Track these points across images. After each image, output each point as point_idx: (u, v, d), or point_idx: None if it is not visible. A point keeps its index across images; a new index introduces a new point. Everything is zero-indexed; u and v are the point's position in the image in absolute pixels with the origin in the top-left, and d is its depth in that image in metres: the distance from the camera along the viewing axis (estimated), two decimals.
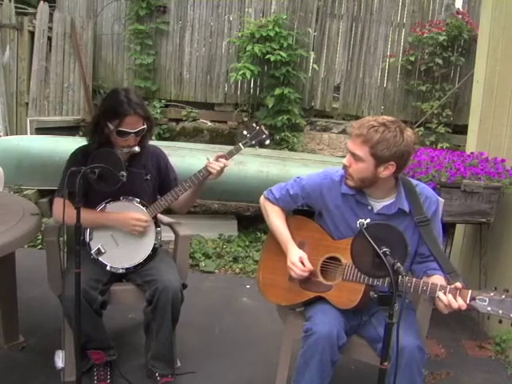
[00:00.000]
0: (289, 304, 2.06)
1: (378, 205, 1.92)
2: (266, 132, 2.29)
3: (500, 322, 1.61)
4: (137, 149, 2.20)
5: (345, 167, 1.88)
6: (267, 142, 2.29)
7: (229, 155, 2.24)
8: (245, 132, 2.29)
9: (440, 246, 1.87)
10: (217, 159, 2.21)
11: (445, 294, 1.64)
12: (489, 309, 1.57)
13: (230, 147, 2.26)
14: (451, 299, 1.63)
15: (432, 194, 1.96)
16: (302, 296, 1.97)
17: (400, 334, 1.40)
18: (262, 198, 2.16)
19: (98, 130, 2.18)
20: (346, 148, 1.92)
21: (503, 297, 1.55)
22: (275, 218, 2.08)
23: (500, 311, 1.55)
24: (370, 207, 1.92)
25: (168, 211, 2.29)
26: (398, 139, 1.75)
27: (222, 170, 2.21)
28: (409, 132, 1.79)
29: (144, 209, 2.22)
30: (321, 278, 1.94)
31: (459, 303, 1.61)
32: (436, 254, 1.84)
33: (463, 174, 2.77)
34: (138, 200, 2.23)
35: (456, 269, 1.82)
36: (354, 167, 1.84)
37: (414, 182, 1.97)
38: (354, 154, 1.82)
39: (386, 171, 1.80)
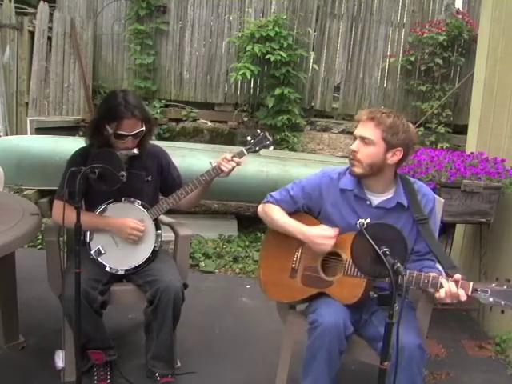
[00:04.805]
0: (290, 301, 2.07)
1: (376, 199, 1.94)
2: (270, 138, 2.30)
3: (502, 312, 1.60)
4: (135, 151, 2.20)
5: (353, 153, 1.89)
6: (271, 148, 2.31)
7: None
8: (248, 138, 2.30)
9: (438, 243, 1.89)
10: (225, 160, 2.21)
11: (447, 280, 1.64)
12: (491, 300, 1.56)
13: (230, 147, 2.27)
14: (453, 287, 1.62)
15: (429, 193, 1.98)
16: (304, 293, 1.97)
17: (400, 332, 1.40)
18: (260, 206, 2.13)
19: (97, 132, 2.18)
20: (353, 137, 1.95)
21: (505, 287, 1.55)
22: (278, 215, 2.03)
23: (502, 302, 1.54)
24: (368, 202, 1.94)
25: (169, 211, 2.29)
26: (406, 127, 1.87)
27: (233, 168, 2.23)
28: (412, 125, 1.92)
29: (145, 211, 2.22)
30: (322, 274, 1.94)
31: (460, 293, 1.61)
32: (435, 251, 1.85)
33: (463, 174, 2.77)
34: (140, 202, 2.22)
35: (456, 264, 1.82)
36: (363, 152, 1.86)
37: (412, 179, 2.00)
38: (364, 138, 1.85)
39: (394, 157, 1.86)
